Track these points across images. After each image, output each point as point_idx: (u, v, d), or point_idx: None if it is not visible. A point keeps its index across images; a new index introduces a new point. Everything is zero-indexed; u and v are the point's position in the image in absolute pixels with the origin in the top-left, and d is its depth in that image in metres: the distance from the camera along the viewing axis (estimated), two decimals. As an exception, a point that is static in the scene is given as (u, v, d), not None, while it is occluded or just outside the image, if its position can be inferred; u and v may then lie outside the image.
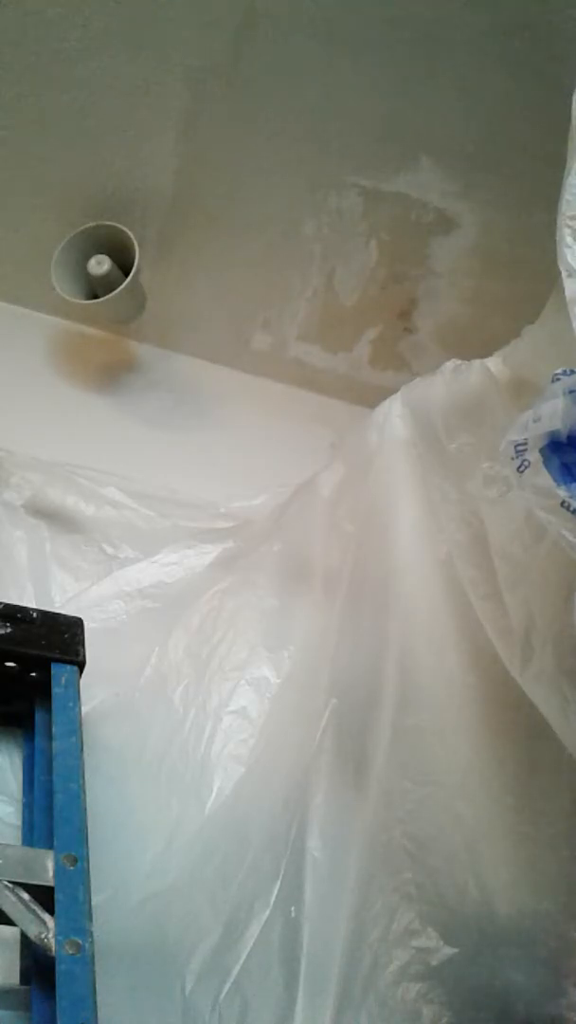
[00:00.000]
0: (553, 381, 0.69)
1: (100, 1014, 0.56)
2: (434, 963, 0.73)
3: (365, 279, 1.40)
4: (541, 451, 0.67)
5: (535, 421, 0.68)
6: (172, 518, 1.13)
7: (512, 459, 0.69)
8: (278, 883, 0.75)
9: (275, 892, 0.75)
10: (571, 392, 0.67)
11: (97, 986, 0.57)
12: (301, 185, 1.31)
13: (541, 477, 0.66)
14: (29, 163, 1.28)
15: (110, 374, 1.41)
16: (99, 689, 0.87)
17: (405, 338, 1.46)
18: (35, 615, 0.85)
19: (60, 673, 0.81)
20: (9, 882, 0.61)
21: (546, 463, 0.67)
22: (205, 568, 1.04)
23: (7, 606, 0.84)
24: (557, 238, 0.73)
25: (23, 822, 0.75)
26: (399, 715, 0.82)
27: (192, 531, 1.10)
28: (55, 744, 0.74)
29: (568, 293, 0.70)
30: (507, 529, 0.74)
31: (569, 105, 0.78)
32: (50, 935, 0.59)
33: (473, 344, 0.98)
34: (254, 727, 0.88)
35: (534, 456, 0.68)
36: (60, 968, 0.57)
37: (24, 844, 0.73)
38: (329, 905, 0.74)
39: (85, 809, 0.70)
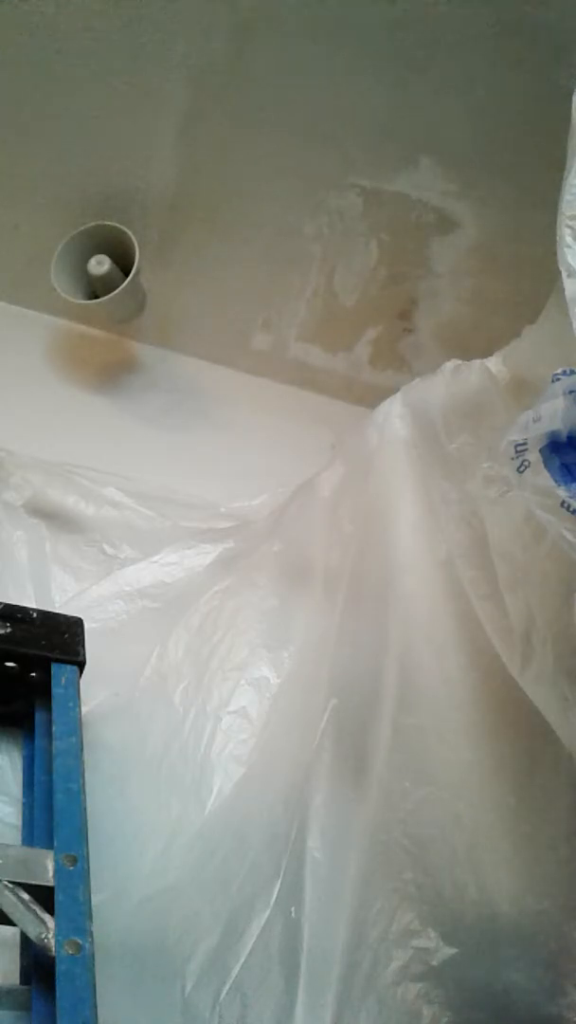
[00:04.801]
0: (553, 381, 0.69)
1: (100, 1014, 0.56)
2: (434, 963, 0.72)
3: (365, 279, 1.40)
4: (541, 451, 0.68)
5: (535, 421, 0.68)
6: (172, 518, 1.13)
7: (512, 459, 0.69)
8: (278, 883, 0.75)
9: (275, 892, 0.75)
10: (571, 392, 0.67)
11: (97, 986, 0.57)
12: (301, 185, 1.31)
13: (541, 477, 0.66)
14: (29, 163, 1.28)
15: (110, 374, 1.41)
16: (99, 689, 0.87)
17: (405, 338, 1.46)
18: (35, 615, 0.85)
19: (60, 673, 0.81)
20: (9, 882, 0.61)
21: (546, 463, 0.67)
22: (205, 568, 1.04)
23: (7, 606, 0.84)
24: (557, 238, 0.73)
25: (23, 822, 0.75)
26: (399, 715, 0.81)
27: (192, 531, 1.10)
28: (55, 744, 0.74)
29: (568, 293, 0.70)
30: (507, 529, 0.74)
31: (569, 105, 0.78)
32: (50, 935, 0.59)
33: (473, 344, 0.98)
34: (254, 727, 0.88)
35: (534, 456, 0.68)
36: (60, 968, 0.57)
37: (24, 844, 0.73)
38: (329, 905, 0.73)
39: (85, 809, 0.70)
